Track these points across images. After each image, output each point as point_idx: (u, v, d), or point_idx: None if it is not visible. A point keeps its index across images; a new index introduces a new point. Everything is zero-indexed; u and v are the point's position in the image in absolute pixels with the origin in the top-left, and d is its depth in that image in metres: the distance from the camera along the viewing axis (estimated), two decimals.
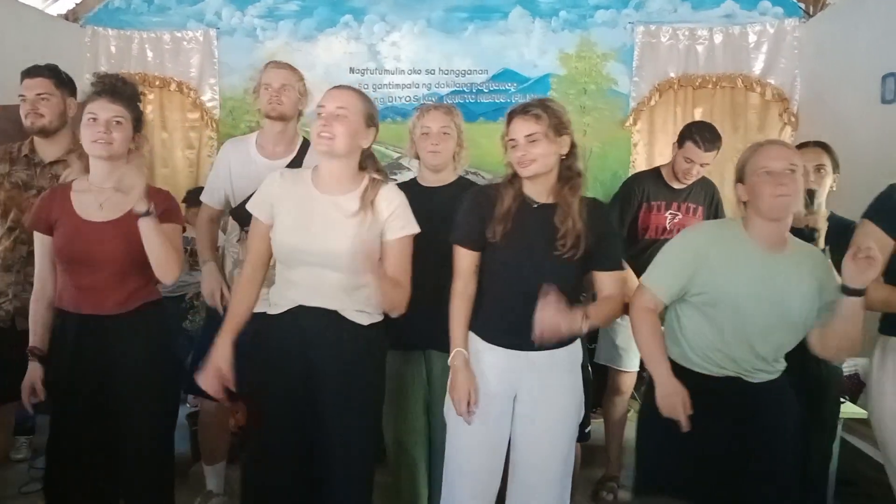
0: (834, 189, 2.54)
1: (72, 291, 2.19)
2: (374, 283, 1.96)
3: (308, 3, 4.87)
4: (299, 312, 2.08)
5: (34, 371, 2.22)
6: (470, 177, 2.72)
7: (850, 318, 1.86)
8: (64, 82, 2.71)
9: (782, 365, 2.04)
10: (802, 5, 4.58)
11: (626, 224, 3.13)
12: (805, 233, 2.35)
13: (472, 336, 2.18)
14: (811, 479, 2.52)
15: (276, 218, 2.10)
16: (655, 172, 3.27)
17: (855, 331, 1.89)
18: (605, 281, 2.12)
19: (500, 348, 2.13)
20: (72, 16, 4.92)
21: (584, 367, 2.99)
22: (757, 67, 4.65)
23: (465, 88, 4.85)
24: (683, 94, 4.72)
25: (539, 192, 2.09)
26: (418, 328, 2.36)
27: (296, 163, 2.67)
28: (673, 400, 1.93)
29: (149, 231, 2.07)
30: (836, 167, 2.57)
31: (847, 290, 1.84)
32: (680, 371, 2.00)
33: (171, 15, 4.92)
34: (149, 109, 4.90)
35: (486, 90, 4.85)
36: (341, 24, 4.87)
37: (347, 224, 2.03)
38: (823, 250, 2.33)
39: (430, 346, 2.51)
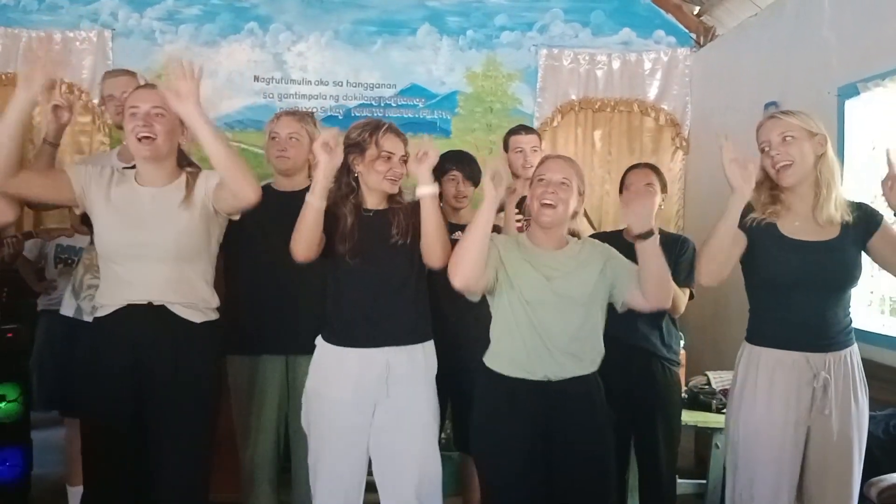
0: (662, 208, 2.74)
1: None
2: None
3: (210, 8, 4.74)
4: (129, 311, 2.06)
5: None
6: None
7: (646, 259, 2.06)
8: None
9: (594, 361, 2.16)
10: (693, 35, 4.85)
11: None
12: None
13: (329, 347, 2.22)
14: (663, 483, 2.78)
15: (95, 212, 2.09)
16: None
17: (657, 267, 2.08)
18: None
19: (359, 349, 2.18)
20: None
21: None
22: (651, 93, 4.86)
23: (373, 102, 4.84)
24: (584, 116, 4.87)
25: (375, 202, 2.27)
26: (276, 332, 2.40)
27: None
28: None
29: None
30: (664, 188, 2.79)
31: (636, 238, 2.05)
32: (496, 377, 2.11)
33: (62, 14, 4.67)
34: (35, 111, 4.61)
35: (394, 104, 4.85)
36: (245, 31, 4.77)
37: (172, 214, 2.04)
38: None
39: (290, 352, 2.49)
